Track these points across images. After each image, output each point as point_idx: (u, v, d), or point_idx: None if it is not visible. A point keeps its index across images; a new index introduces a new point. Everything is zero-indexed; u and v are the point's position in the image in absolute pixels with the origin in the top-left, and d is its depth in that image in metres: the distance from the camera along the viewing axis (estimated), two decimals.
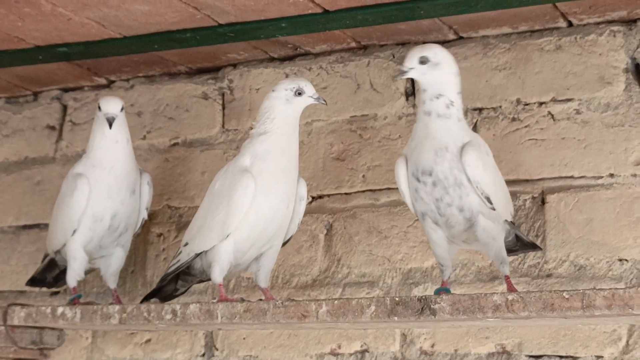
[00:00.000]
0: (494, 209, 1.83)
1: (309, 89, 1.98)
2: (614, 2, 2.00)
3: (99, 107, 2.14)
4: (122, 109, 2.15)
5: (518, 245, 1.98)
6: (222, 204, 1.96)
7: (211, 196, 2.02)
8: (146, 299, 2.16)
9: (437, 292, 1.89)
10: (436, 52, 1.83)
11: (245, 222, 1.95)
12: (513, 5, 1.99)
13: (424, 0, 2.00)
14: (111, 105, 2.14)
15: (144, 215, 2.23)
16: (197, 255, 2.02)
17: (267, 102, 1.99)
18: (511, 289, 1.82)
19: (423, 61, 1.83)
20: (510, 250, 1.95)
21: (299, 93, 1.98)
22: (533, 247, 2.01)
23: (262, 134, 1.98)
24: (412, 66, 1.83)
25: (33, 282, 2.33)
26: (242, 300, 1.95)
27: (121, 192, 2.15)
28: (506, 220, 1.90)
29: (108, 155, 2.14)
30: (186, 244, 2.06)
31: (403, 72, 1.84)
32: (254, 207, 1.94)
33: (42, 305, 2.15)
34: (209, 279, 2.08)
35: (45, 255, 2.29)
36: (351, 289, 2.24)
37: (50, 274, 2.30)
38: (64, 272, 2.20)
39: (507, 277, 1.85)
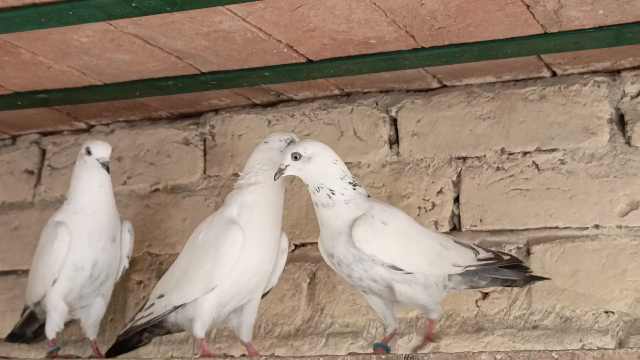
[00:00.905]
0: (409, 273, 1.83)
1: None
2: (598, 53, 2.00)
3: (89, 152, 2.11)
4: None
5: (508, 282, 1.95)
6: (208, 256, 1.92)
7: (193, 247, 1.98)
8: (111, 353, 2.11)
9: (376, 348, 1.90)
10: (306, 147, 1.84)
11: (232, 274, 1.92)
12: (498, 57, 1.98)
13: (408, 51, 1.99)
14: (104, 149, 2.11)
15: (125, 264, 2.19)
16: (175, 308, 1.98)
17: (260, 154, 1.98)
18: (429, 335, 1.88)
19: (296, 157, 1.84)
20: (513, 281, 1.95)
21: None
22: (536, 278, 1.97)
23: (252, 184, 1.96)
24: (288, 163, 1.85)
25: (12, 337, 2.27)
26: (225, 356, 1.92)
27: (102, 239, 2.11)
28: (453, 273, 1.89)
29: (91, 200, 2.11)
30: (161, 296, 2.00)
31: (281, 171, 1.86)
32: (240, 260, 1.91)
33: (19, 357, 2.11)
34: (180, 331, 2.04)
35: (25, 308, 2.24)
36: (335, 339, 2.21)
37: (30, 329, 2.24)
38: (43, 326, 2.15)
39: (431, 321, 1.88)
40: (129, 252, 2.20)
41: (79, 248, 2.09)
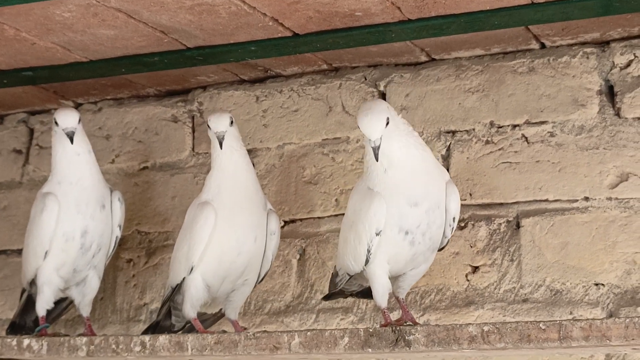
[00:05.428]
0: None
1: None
2: (586, 24, 1.98)
3: (56, 122, 2.07)
4: (79, 120, 2.08)
5: None
6: (186, 237, 1.96)
7: (181, 230, 2.02)
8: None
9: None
10: None
11: (211, 254, 1.93)
12: (485, 28, 1.96)
13: (394, 23, 1.97)
14: (68, 119, 2.07)
15: (117, 233, 2.15)
16: (174, 289, 2.00)
17: None
18: None
19: None
20: None
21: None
22: None
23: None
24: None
25: (13, 328, 2.22)
26: (224, 332, 1.92)
27: (90, 206, 2.07)
28: None
29: (72, 169, 2.08)
30: (168, 277, 2.06)
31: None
32: (217, 239, 1.93)
33: (7, 337, 2.09)
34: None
35: (22, 292, 2.20)
36: (325, 315, 2.20)
37: (30, 317, 2.19)
38: None
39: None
40: (120, 221, 2.15)
41: (67, 217, 2.05)
